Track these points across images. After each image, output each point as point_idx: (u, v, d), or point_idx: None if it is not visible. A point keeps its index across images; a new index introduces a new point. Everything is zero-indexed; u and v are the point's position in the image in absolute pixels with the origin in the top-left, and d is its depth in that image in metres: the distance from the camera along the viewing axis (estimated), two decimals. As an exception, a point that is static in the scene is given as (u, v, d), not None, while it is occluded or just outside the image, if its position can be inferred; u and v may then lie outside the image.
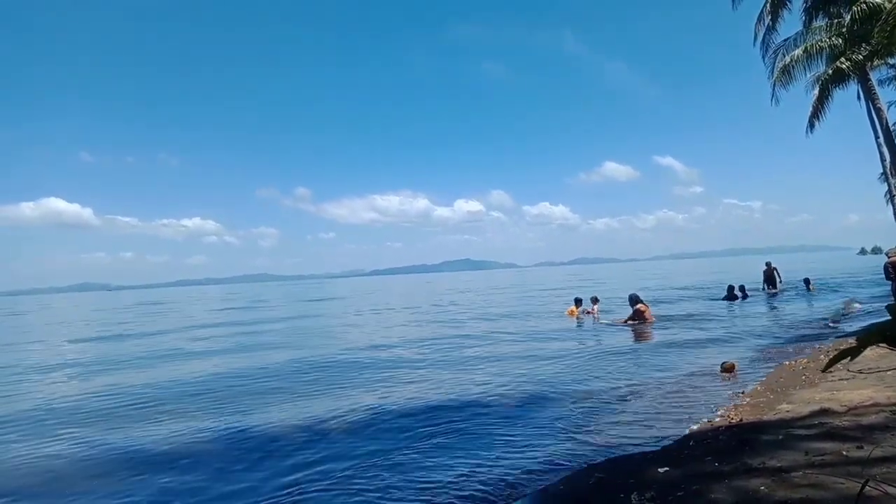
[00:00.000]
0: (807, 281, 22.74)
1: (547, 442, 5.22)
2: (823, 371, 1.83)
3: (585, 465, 4.49)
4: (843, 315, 14.55)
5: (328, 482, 4.50)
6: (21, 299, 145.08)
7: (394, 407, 6.88)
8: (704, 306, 18.86)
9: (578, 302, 17.61)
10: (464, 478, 4.43)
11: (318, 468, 4.81)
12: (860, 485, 2.93)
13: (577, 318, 16.94)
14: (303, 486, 4.45)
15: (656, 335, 12.46)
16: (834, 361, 1.35)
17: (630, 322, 14.04)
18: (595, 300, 17.72)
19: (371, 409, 6.84)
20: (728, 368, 7.85)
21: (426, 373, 9.33)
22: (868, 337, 1.28)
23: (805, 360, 8.17)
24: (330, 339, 15.79)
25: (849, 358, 1.32)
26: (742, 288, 20.86)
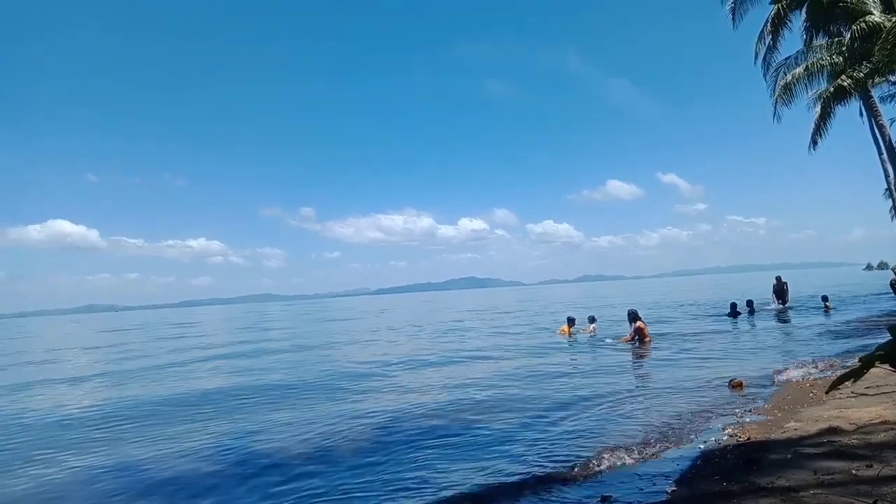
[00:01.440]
0: (825, 298, 21.80)
1: (544, 460, 5.20)
2: (827, 392, 1.84)
3: (590, 483, 4.47)
4: None
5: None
6: (30, 321, 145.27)
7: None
8: (708, 323, 18.73)
9: (571, 321, 17.32)
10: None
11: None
12: (869, 504, 2.93)
13: (570, 335, 16.69)
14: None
15: (657, 352, 12.39)
16: (838, 383, 1.37)
17: (629, 340, 13.84)
18: (592, 320, 17.44)
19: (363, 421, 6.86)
20: (736, 385, 7.83)
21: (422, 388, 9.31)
22: (871, 358, 1.30)
23: (812, 379, 8.13)
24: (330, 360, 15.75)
25: (852, 379, 1.34)
26: (750, 303, 20.73)
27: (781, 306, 21.75)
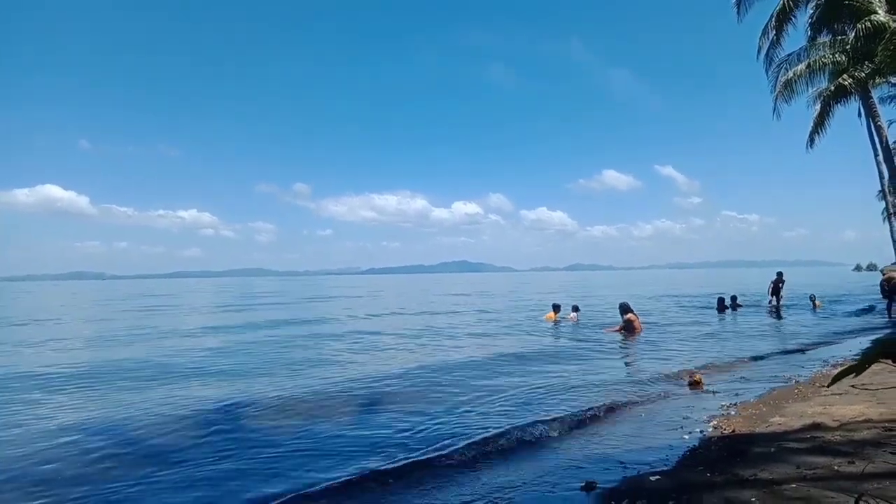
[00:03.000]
0: (812, 298, 21.88)
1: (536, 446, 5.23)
2: (828, 387, 1.84)
3: (573, 469, 4.50)
4: None
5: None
6: (20, 285, 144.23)
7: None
8: (696, 317, 18.88)
9: (556, 308, 17.92)
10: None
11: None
12: (853, 499, 2.96)
13: (556, 321, 17.24)
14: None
15: (644, 344, 12.50)
16: (839, 377, 1.36)
17: (619, 331, 14.07)
18: (575, 308, 17.94)
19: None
20: (694, 383, 7.78)
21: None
22: (872, 354, 1.29)
23: (798, 375, 8.21)
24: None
25: (853, 374, 1.32)
26: (734, 299, 20.86)
27: (775, 303, 21.65)
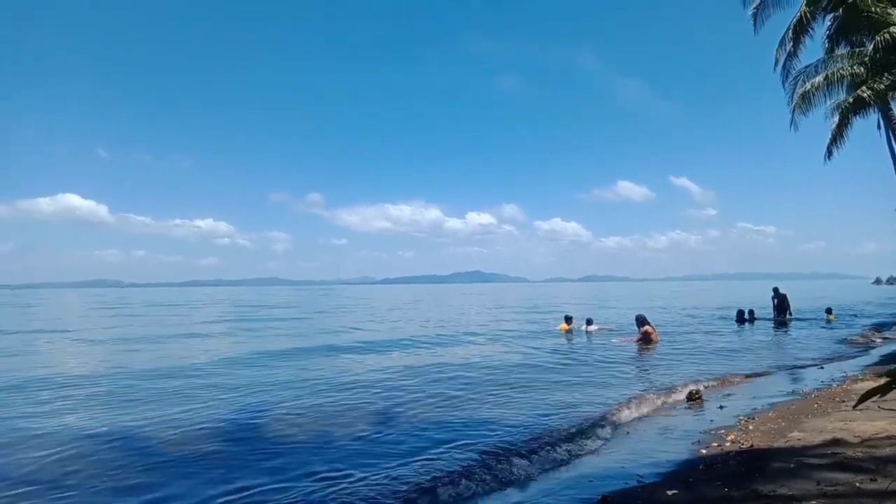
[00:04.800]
0: (828, 310, 21.37)
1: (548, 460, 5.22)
2: (855, 407, 1.83)
3: (590, 482, 4.49)
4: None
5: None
6: (39, 292, 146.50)
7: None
8: (714, 329, 18.67)
9: (569, 320, 18.10)
10: None
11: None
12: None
13: (569, 331, 17.45)
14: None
15: (660, 356, 12.40)
16: (866, 398, 1.36)
17: (636, 342, 14.02)
18: (589, 322, 18.00)
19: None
20: (693, 397, 7.71)
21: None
22: (896, 370, 1.29)
23: (817, 389, 8.10)
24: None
25: (879, 395, 1.33)
26: (751, 312, 20.60)
27: (782, 318, 20.69)
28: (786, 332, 17.80)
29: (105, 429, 6.44)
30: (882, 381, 1.35)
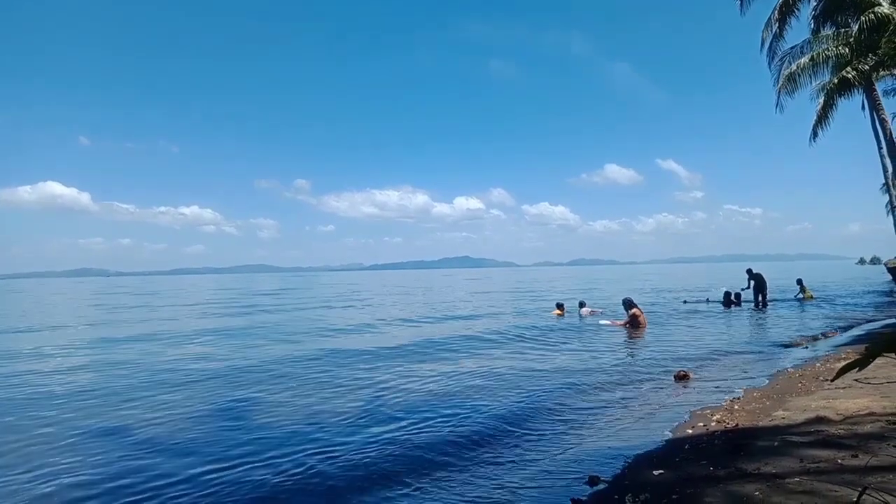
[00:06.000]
0: (799, 281, 21.69)
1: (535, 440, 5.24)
2: (832, 381, 1.84)
3: (576, 463, 4.52)
4: None
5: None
6: (24, 283, 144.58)
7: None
8: (700, 311, 18.79)
9: (560, 306, 18.23)
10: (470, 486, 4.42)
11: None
12: (856, 493, 2.95)
13: (561, 315, 17.58)
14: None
15: (648, 338, 12.50)
16: (843, 372, 1.35)
17: (624, 325, 14.11)
18: (582, 304, 18.33)
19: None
20: (681, 377, 7.81)
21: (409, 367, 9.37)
22: (878, 346, 1.28)
23: (801, 369, 8.21)
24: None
25: (857, 368, 1.32)
26: (738, 295, 20.70)
27: (761, 299, 19.97)
28: (770, 312, 17.90)
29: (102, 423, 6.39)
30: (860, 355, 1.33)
